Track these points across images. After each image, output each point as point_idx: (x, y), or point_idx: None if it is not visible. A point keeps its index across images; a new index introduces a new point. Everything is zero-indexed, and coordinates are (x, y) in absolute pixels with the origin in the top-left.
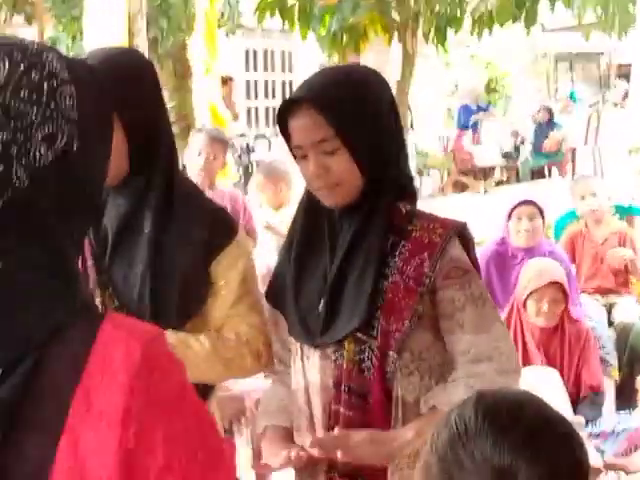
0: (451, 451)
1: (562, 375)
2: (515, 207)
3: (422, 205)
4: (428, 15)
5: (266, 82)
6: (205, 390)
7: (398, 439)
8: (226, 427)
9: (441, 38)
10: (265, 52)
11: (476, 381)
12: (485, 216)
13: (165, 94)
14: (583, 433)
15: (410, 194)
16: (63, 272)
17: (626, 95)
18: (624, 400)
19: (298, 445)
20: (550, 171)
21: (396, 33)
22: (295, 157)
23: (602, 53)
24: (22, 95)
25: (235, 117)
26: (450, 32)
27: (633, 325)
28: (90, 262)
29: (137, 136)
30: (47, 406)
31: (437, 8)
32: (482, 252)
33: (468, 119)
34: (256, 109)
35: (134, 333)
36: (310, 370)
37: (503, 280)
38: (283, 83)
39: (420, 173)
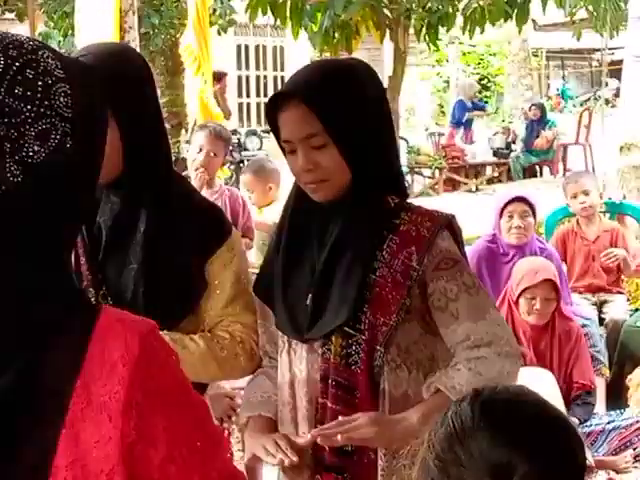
0: (449, 448)
1: (552, 372)
2: (507, 204)
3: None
4: (420, 12)
5: (258, 78)
6: (197, 388)
7: (402, 422)
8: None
9: (433, 35)
10: (257, 48)
11: (477, 363)
12: (476, 214)
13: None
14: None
15: (399, 188)
16: (57, 267)
17: (617, 93)
18: (615, 399)
19: (281, 435)
20: (542, 169)
21: (388, 30)
22: (284, 151)
23: (594, 50)
24: (16, 92)
25: (228, 114)
26: (442, 29)
27: (624, 323)
28: (83, 261)
29: (132, 134)
30: (47, 401)
31: (429, 5)
32: (473, 249)
33: (462, 115)
34: (248, 105)
35: (131, 326)
36: (296, 364)
37: (493, 277)
38: (275, 79)
39: (411, 170)
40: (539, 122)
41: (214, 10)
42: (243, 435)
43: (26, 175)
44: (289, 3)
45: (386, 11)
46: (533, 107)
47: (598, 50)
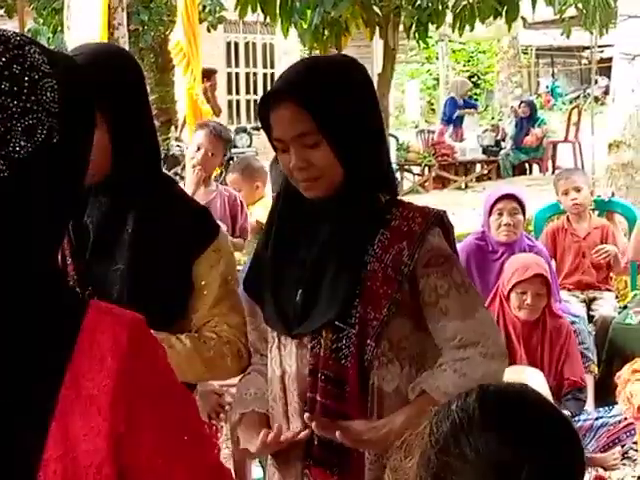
0: (453, 443)
1: (542, 369)
2: (496, 202)
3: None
4: (409, 9)
5: (247, 75)
6: (186, 386)
7: (387, 425)
8: (205, 422)
9: (422, 33)
10: (246, 45)
11: (463, 365)
12: (465, 212)
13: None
14: None
15: (390, 186)
16: (44, 263)
17: (607, 90)
18: (603, 396)
19: (275, 430)
20: (531, 167)
21: (377, 27)
22: (275, 149)
23: (583, 48)
24: (3, 87)
25: (217, 111)
26: (432, 27)
27: (612, 321)
28: (69, 260)
29: (120, 133)
30: (36, 394)
31: (418, 2)
32: (462, 246)
33: (453, 112)
34: (237, 103)
35: (119, 318)
36: (286, 359)
37: (482, 274)
38: (265, 77)
39: (401, 168)
40: (529, 120)
41: (203, 7)
42: (233, 433)
43: (12, 170)
44: (279, 0)
45: (376, 8)
46: (523, 105)
47: (588, 48)
